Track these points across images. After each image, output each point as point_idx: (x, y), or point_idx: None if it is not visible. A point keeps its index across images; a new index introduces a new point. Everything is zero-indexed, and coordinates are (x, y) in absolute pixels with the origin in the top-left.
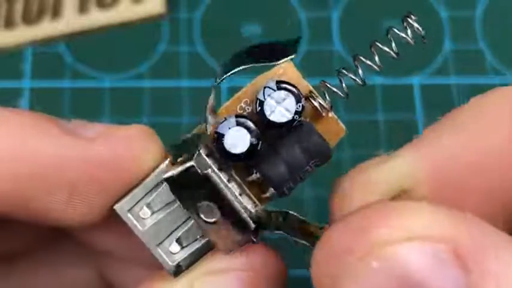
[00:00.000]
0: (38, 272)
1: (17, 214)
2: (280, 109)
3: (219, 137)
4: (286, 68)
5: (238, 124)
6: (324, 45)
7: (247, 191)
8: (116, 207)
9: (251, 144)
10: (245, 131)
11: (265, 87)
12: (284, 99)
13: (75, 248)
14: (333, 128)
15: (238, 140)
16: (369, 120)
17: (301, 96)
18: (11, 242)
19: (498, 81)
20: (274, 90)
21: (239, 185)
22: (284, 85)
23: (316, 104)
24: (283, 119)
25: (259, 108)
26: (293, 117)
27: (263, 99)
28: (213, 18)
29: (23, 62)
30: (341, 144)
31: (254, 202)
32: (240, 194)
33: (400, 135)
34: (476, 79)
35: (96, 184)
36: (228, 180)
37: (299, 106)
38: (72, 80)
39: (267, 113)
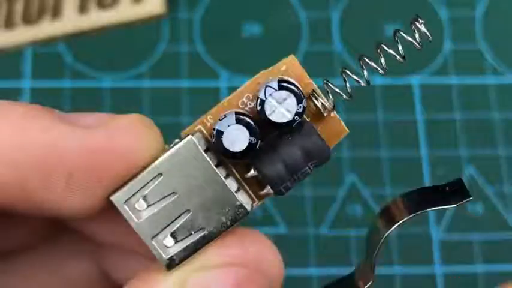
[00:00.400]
0: (39, 267)
1: (14, 204)
2: (280, 109)
3: (218, 134)
4: (289, 65)
5: (238, 122)
6: (324, 45)
7: (246, 187)
8: (112, 197)
9: (250, 143)
10: (244, 129)
11: (266, 86)
12: (285, 99)
13: (75, 242)
14: (335, 128)
15: (237, 138)
16: (369, 120)
17: (302, 96)
18: (11, 238)
19: (497, 81)
20: (276, 90)
21: (237, 181)
22: (286, 85)
23: (318, 104)
24: (284, 120)
25: (260, 107)
26: (293, 117)
27: (264, 99)
28: (213, 18)
29: (23, 62)
30: (341, 144)
31: (251, 198)
32: (238, 190)
33: (400, 135)
34: (476, 79)
35: (93, 173)
36: (227, 176)
37: (300, 107)
38: (72, 80)
39: (267, 112)
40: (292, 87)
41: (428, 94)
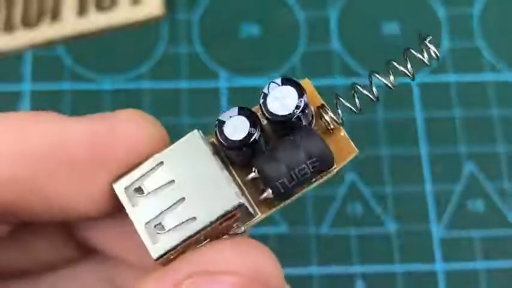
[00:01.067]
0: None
1: (25, 202)
2: (282, 102)
3: (220, 124)
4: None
5: (240, 113)
6: (322, 45)
7: (247, 195)
8: (114, 185)
9: (249, 133)
10: (245, 119)
11: (270, 82)
12: (287, 94)
13: (94, 266)
14: (344, 148)
15: (237, 127)
16: (368, 119)
17: (304, 93)
18: (31, 253)
19: (496, 78)
20: (279, 85)
21: (239, 187)
22: (288, 81)
23: (327, 117)
24: (285, 112)
25: (263, 100)
26: (293, 111)
27: (267, 93)
28: (212, 19)
29: (23, 65)
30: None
31: (251, 205)
32: (237, 195)
33: (400, 133)
34: (474, 76)
35: (96, 162)
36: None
37: (300, 101)
38: (72, 82)
39: (269, 105)
40: (295, 83)
41: (427, 92)
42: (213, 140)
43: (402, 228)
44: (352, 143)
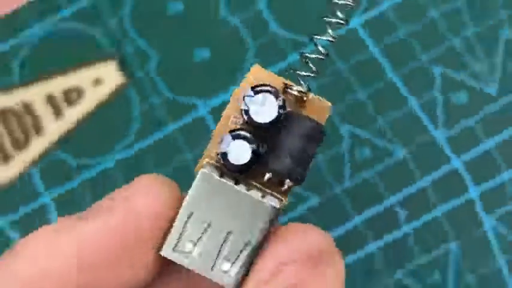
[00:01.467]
0: None
1: None
2: (264, 110)
3: (223, 157)
4: (255, 73)
5: (234, 138)
6: (266, 36)
7: (268, 191)
8: (162, 253)
9: (253, 151)
10: (242, 141)
11: (244, 96)
12: (265, 100)
13: None
14: (318, 107)
15: (240, 152)
16: (333, 75)
17: (277, 91)
18: None
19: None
20: (253, 96)
21: (259, 189)
22: (259, 88)
23: (294, 92)
24: (272, 118)
25: (247, 116)
26: (278, 112)
27: (247, 108)
28: (168, 62)
29: (33, 181)
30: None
31: (279, 198)
32: (263, 196)
33: (367, 73)
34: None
35: (128, 249)
36: (248, 189)
37: (280, 100)
38: (80, 175)
39: (255, 118)
40: (266, 88)
41: (371, 28)
42: (207, 159)
43: (410, 148)
44: (322, 98)
